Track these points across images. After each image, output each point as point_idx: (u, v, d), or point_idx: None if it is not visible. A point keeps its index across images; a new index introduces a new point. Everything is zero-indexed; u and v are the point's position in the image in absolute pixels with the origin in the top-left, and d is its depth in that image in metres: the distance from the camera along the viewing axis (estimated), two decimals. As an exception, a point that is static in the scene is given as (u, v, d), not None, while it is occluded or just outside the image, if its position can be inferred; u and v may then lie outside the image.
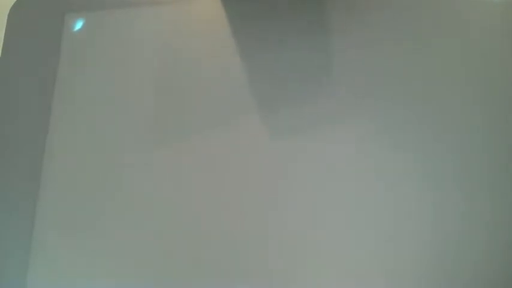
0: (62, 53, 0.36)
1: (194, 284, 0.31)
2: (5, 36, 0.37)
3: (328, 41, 0.35)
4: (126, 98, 0.35)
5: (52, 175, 0.34)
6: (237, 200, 0.32)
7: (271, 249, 0.31)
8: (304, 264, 0.30)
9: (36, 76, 0.36)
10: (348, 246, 0.30)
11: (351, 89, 0.33)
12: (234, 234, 0.31)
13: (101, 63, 0.36)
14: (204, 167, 0.33)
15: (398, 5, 0.35)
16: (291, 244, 0.31)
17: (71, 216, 0.33)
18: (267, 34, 0.35)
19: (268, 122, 0.33)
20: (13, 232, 0.33)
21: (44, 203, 0.33)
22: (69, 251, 0.32)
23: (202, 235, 0.32)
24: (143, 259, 0.32)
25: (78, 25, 0.37)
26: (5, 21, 0.38)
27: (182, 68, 0.35)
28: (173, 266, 0.31)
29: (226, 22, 0.36)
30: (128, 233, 0.32)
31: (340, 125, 0.33)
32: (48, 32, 0.37)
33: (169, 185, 0.33)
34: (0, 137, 0.35)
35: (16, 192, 0.34)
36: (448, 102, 0.32)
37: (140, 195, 0.33)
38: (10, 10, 0.38)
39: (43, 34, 0.37)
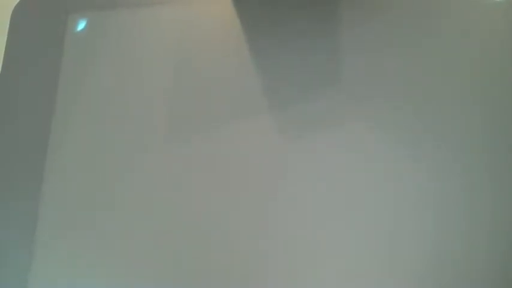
0: (65, 53, 0.36)
1: (195, 283, 0.31)
2: (8, 36, 0.37)
3: (335, 42, 0.35)
4: (129, 99, 0.35)
5: (54, 177, 0.34)
6: (239, 200, 0.32)
7: (271, 249, 0.31)
8: (305, 263, 0.30)
9: (40, 76, 0.36)
10: (349, 246, 0.30)
11: (354, 90, 0.33)
12: (236, 234, 0.31)
13: (104, 63, 0.36)
14: (206, 167, 0.33)
15: (401, 7, 0.35)
16: (292, 243, 0.31)
17: (73, 216, 0.33)
18: (275, 34, 0.35)
19: (273, 123, 0.33)
20: (15, 232, 0.33)
21: (46, 203, 0.33)
22: (71, 251, 0.32)
23: (203, 234, 0.32)
24: (144, 259, 0.32)
25: (81, 25, 0.37)
26: (8, 21, 0.38)
27: (187, 68, 0.35)
28: (174, 265, 0.31)
29: (234, 23, 0.36)
30: (129, 233, 0.32)
31: (342, 125, 0.32)
32: (51, 33, 0.37)
33: (171, 184, 0.33)
34: (4, 137, 0.35)
35: (18, 192, 0.34)
36: (450, 102, 0.32)
37: (142, 196, 0.33)
38: (13, 10, 0.38)
39: (46, 34, 0.37)
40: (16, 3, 0.38)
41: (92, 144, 0.34)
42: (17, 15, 0.38)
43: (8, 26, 0.38)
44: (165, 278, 0.31)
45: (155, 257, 0.32)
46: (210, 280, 0.31)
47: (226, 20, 0.37)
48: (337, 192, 0.31)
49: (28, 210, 0.34)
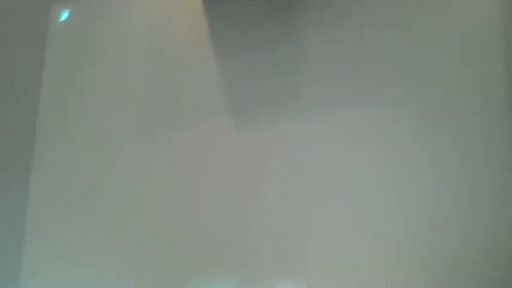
0: (48, 43, 0.36)
1: (194, 278, 0.31)
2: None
3: (303, 38, 0.35)
4: (113, 88, 0.35)
5: (42, 175, 0.34)
6: (224, 196, 0.32)
7: (262, 243, 0.31)
8: (298, 260, 0.30)
9: (24, 65, 0.36)
10: (342, 243, 0.30)
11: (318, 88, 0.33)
12: (226, 232, 0.31)
13: (87, 53, 0.36)
14: (189, 160, 0.33)
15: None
16: (280, 235, 0.31)
17: (61, 215, 0.33)
18: (243, 25, 0.35)
19: (240, 117, 0.33)
20: (4, 230, 0.33)
21: (35, 203, 0.33)
22: (59, 249, 0.33)
23: (193, 227, 0.32)
24: (132, 252, 0.32)
25: (65, 15, 0.37)
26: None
27: (167, 58, 0.35)
28: (162, 259, 0.32)
29: (202, 18, 0.36)
30: (116, 229, 0.32)
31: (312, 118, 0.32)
32: (34, 22, 0.37)
33: (156, 182, 0.33)
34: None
35: (5, 191, 0.34)
36: (448, 102, 0.31)
37: (128, 191, 0.33)
38: (-6, 1, 0.37)
39: (29, 24, 0.37)
40: (-3, -7, 0.37)
41: (78, 139, 0.34)
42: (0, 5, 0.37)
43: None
44: (152, 270, 0.32)
45: (146, 251, 0.32)
46: (203, 266, 0.31)
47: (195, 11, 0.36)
48: (332, 189, 0.31)
49: (16, 210, 0.34)
